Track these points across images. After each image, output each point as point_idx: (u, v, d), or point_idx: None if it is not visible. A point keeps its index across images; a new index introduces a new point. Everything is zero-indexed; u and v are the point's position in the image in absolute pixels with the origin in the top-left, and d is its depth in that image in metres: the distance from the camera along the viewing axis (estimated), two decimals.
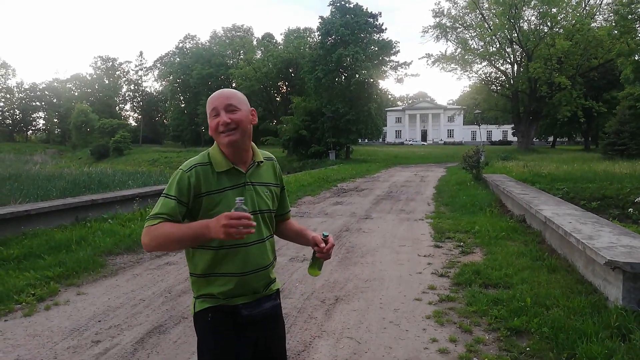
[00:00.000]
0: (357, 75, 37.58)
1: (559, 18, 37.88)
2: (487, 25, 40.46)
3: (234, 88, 54.10)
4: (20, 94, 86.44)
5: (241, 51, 72.86)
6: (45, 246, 6.16)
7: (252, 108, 1.81)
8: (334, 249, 6.61)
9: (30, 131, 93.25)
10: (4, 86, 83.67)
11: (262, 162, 1.85)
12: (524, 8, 38.48)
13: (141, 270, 5.69)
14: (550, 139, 60.02)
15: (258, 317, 1.78)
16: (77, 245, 6.33)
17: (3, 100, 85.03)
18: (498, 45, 41.74)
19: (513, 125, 48.12)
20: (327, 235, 1.84)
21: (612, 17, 33.72)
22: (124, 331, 3.83)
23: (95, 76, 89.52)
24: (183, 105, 76.68)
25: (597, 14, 38.76)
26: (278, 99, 62.31)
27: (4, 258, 5.60)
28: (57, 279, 5.09)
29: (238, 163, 1.76)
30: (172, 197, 1.66)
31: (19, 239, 6.45)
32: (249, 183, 1.77)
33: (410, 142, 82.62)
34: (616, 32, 28.76)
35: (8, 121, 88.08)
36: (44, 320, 4.06)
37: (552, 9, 37.14)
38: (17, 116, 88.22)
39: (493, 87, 44.95)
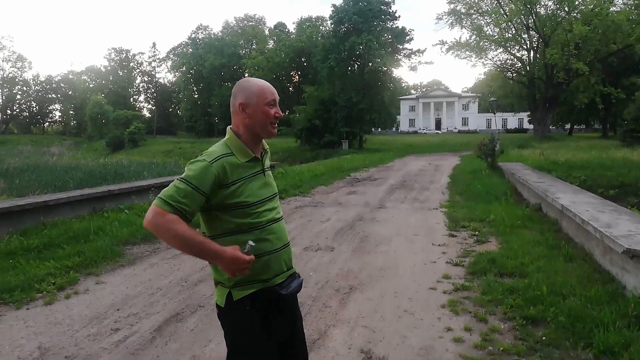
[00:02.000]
0: (370, 64, 37.31)
1: (576, 3, 36.91)
2: (502, 11, 39.66)
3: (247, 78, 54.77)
4: (36, 87, 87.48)
5: (253, 41, 72.78)
6: (64, 236, 6.28)
7: None
8: (349, 238, 6.60)
9: (47, 123, 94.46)
10: (21, 79, 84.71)
11: (267, 149, 1.95)
12: None
13: (158, 260, 5.77)
14: (568, 126, 58.94)
15: (290, 297, 1.86)
16: (95, 235, 6.44)
17: (20, 92, 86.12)
18: (514, 31, 40.91)
19: (529, 113, 47.39)
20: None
21: (632, 1, 32.88)
22: (142, 319, 3.90)
23: (109, 68, 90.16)
24: (196, 96, 76.99)
25: None
26: (290, 88, 62.29)
27: (24, 248, 5.72)
28: (76, 268, 5.19)
29: (255, 152, 1.84)
30: (194, 187, 1.66)
31: (38, 229, 6.58)
32: (266, 169, 1.88)
33: (424, 131, 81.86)
34: (635, 16, 28.01)
35: (25, 113, 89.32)
36: (64, 308, 4.15)
37: None
38: (34, 108, 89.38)
39: (509, 74, 44.14)
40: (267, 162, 1.95)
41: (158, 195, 1.67)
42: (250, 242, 1.67)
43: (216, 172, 1.68)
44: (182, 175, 1.68)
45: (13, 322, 3.84)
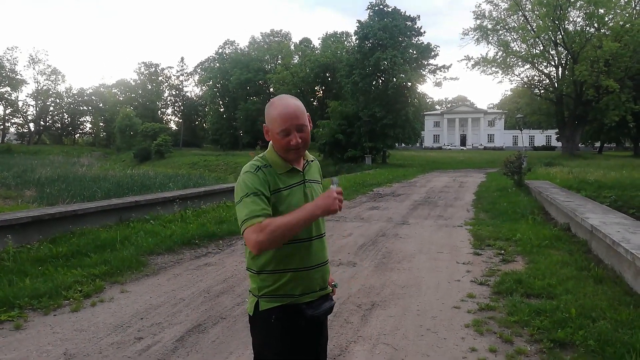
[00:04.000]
0: (394, 79, 37.26)
1: (606, 19, 36.36)
2: (529, 27, 39.32)
3: (272, 93, 54.56)
4: (69, 99, 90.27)
5: (279, 56, 73.71)
6: (91, 245, 6.42)
7: (307, 113, 1.85)
8: (371, 253, 6.55)
9: (78, 134, 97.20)
10: (54, 91, 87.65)
11: (312, 160, 1.97)
12: (569, 9, 37.19)
13: (181, 271, 5.83)
14: (597, 144, 57.61)
15: (320, 318, 1.84)
16: (121, 245, 6.56)
17: (53, 105, 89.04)
18: (542, 48, 40.44)
19: (557, 130, 46.51)
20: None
21: None
22: (165, 329, 3.94)
23: (139, 81, 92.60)
24: (222, 109, 78.21)
25: None
26: (315, 103, 62.67)
27: (53, 255, 5.87)
28: (102, 277, 5.29)
29: (295, 164, 1.85)
30: (253, 193, 1.68)
31: (67, 238, 6.74)
32: (307, 180, 1.87)
33: (449, 147, 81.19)
34: None
35: (57, 125, 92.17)
36: (90, 316, 4.22)
37: (600, 10, 35.71)
38: (66, 120, 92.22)
39: (536, 90, 43.56)
40: (314, 174, 1.93)
41: (241, 225, 1.67)
42: (334, 179, 1.72)
43: (262, 176, 1.74)
44: (239, 196, 1.72)
45: (40, 328, 3.92)
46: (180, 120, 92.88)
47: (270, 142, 1.86)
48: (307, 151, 1.93)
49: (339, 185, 1.73)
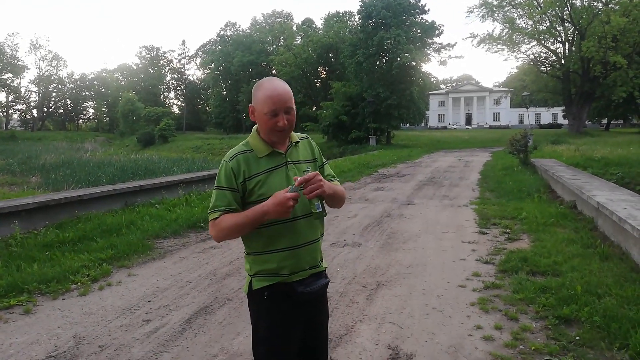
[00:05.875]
0: (398, 59, 36.75)
1: None
2: (536, 3, 38.57)
3: (274, 75, 54.09)
4: (71, 84, 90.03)
5: (281, 37, 72.99)
6: (97, 230, 6.46)
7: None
8: (376, 234, 6.57)
9: (81, 120, 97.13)
10: (56, 77, 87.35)
11: (297, 142, 1.94)
12: None
13: (187, 254, 5.87)
14: (604, 121, 57.01)
15: (312, 295, 1.87)
16: (126, 229, 6.60)
17: (55, 90, 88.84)
18: (548, 24, 39.68)
19: (564, 108, 45.98)
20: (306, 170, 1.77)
21: None
22: (172, 311, 3.97)
23: (140, 66, 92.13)
24: (225, 92, 77.87)
25: None
26: (318, 84, 62.15)
27: (60, 241, 5.91)
28: (109, 261, 5.33)
29: (277, 146, 1.86)
30: (224, 188, 1.81)
31: (73, 223, 6.79)
32: (289, 162, 1.86)
33: (454, 126, 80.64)
34: None
35: (60, 110, 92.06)
36: (98, 299, 4.27)
37: None
38: (69, 105, 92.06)
39: (542, 67, 42.91)
40: (301, 155, 1.92)
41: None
42: (299, 178, 1.70)
43: (231, 168, 1.80)
44: (215, 184, 1.86)
45: (50, 312, 3.97)
46: (183, 104, 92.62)
47: (255, 126, 1.89)
48: (294, 133, 1.94)
49: (300, 189, 1.69)
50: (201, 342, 3.40)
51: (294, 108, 1.83)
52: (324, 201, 1.81)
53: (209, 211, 1.84)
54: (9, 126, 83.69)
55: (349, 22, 61.13)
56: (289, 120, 1.79)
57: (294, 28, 75.68)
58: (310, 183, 1.69)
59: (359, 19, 40.87)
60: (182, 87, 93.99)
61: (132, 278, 4.89)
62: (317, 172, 1.76)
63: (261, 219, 1.72)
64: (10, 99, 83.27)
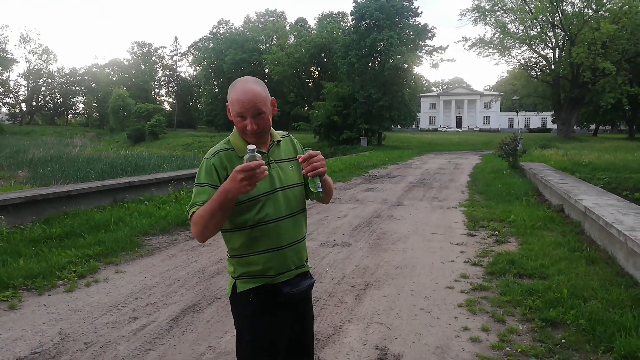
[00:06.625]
0: (391, 60, 36.87)
1: (604, 1, 36.04)
2: (527, 9, 38.93)
3: (267, 74, 53.68)
4: (61, 79, 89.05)
5: (274, 36, 72.73)
6: (85, 225, 6.40)
7: (272, 98, 1.82)
8: (365, 234, 6.58)
9: (71, 115, 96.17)
10: (46, 71, 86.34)
11: (279, 140, 1.89)
12: None
13: (176, 251, 5.84)
14: (592, 126, 57.68)
15: (297, 296, 1.83)
16: (115, 226, 6.55)
17: (45, 84, 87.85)
18: (539, 29, 40.08)
19: (553, 112, 46.49)
20: (307, 150, 1.75)
21: None
22: (159, 309, 3.95)
23: (132, 61, 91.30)
24: (216, 90, 77.41)
25: None
26: (310, 84, 62.09)
27: (47, 236, 5.85)
28: (96, 257, 5.29)
29: (259, 145, 1.79)
30: (203, 184, 1.72)
31: (61, 218, 6.72)
32: (272, 161, 1.81)
33: (445, 129, 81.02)
34: None
35: (50, 105, 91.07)
36: (84, 296, 4.23)
37: None
38: (58, 100, 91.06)
39: (533, 72, 43.34)
40: (283, 154, 1.87)
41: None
42: (249, 147, 1.56)
43: (212, 164, 1.74)
44: (195, 182, 1.78)
45: (35, 308, 3.92)
46: (174, 101, 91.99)
47: None
48: (275, 131, 1.90)
49: (251, 156, 1.54)
50: (188, 340, 3.39)
51: (267, 111, 1.75)
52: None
53: (187, 209, 1.74)
54: None
55: (342, 23, 61.19)
56: (258, 124, 1.72)
57: (287, 27, 75.48)
58: (314, 160, 1.66)
59: (352, 20, 40.90)
60: (174, 84, 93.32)
61: (120, 275, 4.85)
62: (319, 151, 1.73)
63: (225, 198, 1.57)
64: None
